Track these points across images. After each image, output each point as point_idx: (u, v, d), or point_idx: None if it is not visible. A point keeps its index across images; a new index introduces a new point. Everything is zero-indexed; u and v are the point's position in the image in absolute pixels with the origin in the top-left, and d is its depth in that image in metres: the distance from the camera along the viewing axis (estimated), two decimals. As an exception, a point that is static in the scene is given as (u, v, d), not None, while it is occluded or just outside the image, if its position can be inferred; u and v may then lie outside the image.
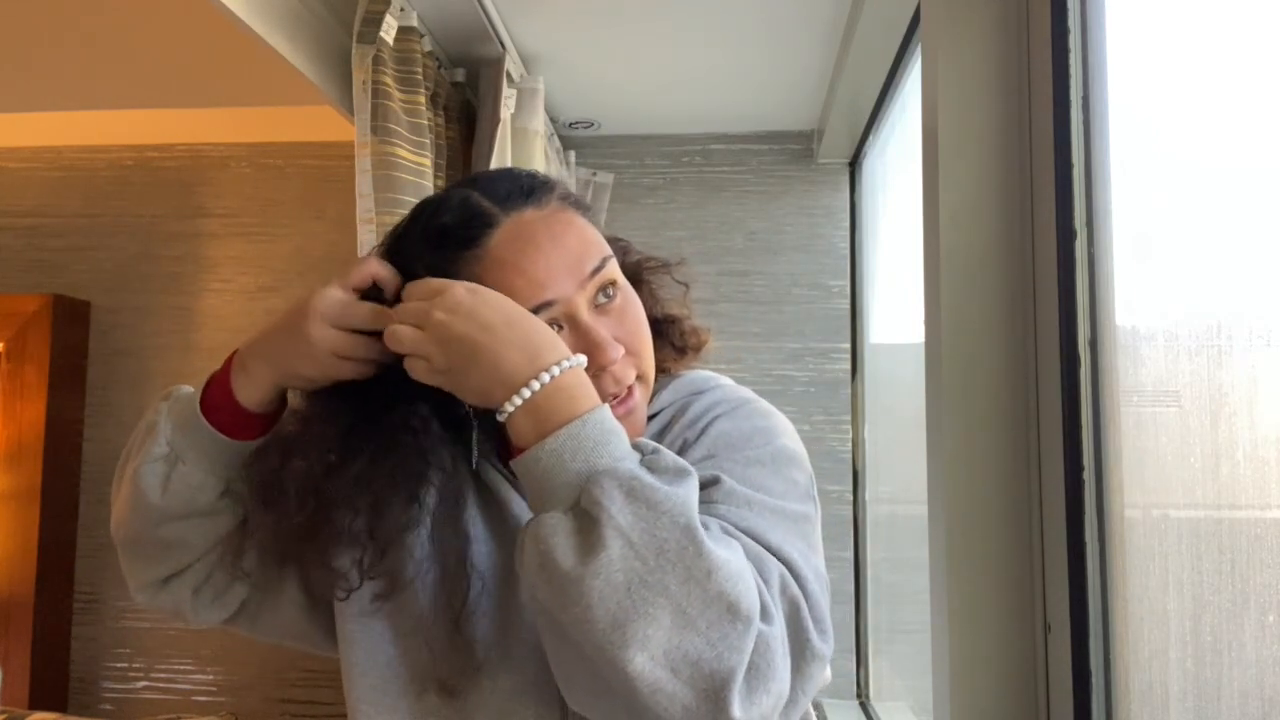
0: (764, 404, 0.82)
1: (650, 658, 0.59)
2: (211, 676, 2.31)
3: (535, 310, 0.71)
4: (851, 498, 2.37)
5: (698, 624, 0.59)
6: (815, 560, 0.71)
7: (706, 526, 0.65)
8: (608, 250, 0.78)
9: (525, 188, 0.76)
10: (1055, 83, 1.04)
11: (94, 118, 2.33)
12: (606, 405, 0.68)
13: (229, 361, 0.78)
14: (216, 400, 0.77)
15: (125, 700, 2.33)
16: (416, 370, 0.69)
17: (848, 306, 2.43)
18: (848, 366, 2.41)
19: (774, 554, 0.67)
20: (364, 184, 1.50)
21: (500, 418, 0.67)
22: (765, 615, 0.63)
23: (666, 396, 0.83)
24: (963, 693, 1.07)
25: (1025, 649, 1.07)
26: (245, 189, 2.44)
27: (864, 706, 2.29)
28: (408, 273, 0.74)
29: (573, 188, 2.47)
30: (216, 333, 2.39)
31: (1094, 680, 0.97)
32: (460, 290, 0.69)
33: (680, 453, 0.76)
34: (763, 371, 2.42)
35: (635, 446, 0.66)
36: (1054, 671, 1.03)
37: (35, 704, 2.19)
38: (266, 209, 2.43)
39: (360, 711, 0.78)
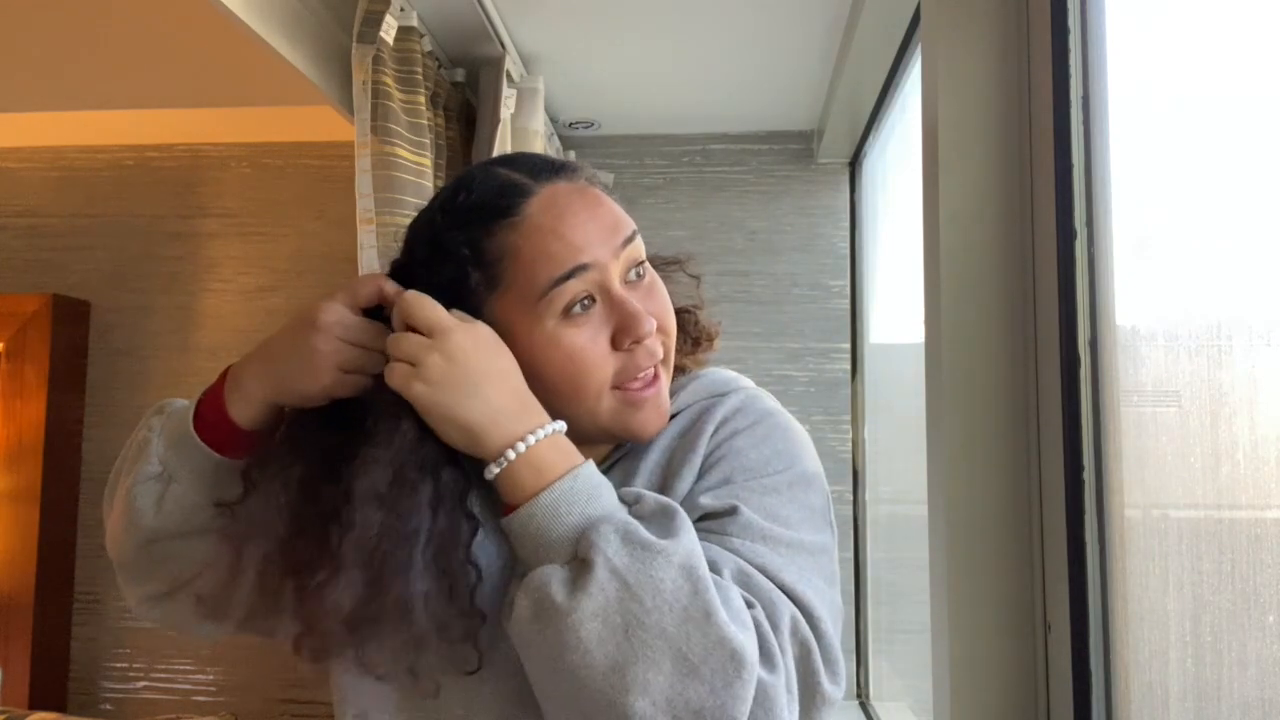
0: (784, 418, 0.80)
1: (652, 703, 0.59)
2: (211, 676, 2.31)
3: (570, 274, 0.71)
4: (851, 498, 2.37)
5: (700, 671, 0.59)
6: (831, 594, 0.70)
7: (718, 567, 0.66)
8: (636, 227, 0.78)
9: (554, 163, 0.77)
10: (1055, 83, 1.04)
11: (94, 118, 2.33)
12: (592, 463, 0.69)
13: (222, 377, 0.76)
14: (210, 417, 0.75)
15: (125, 700, 2.33)
16: (415, 399, 0.68)
17: (848, 306, 2.43)
18: (848, 366, 2.41)
19: (788, 593, 0.67)
20: (364, 184, 1.50)
21: (490, 473, 0.68)
22: (769, 663, 0.62)
23: (686, 397, 0.81)
24: (963, 693, 1.07)
25: (1025, 649, 1.07)
26: (245, 189, 2.44)
27: (864, 706, 2.29)
28: (436, 249, 0.74)
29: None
30: (216, 333, 2.39)
31: (1094, 680, 0.97)
32: (461, 337, 0.69)
33: (700, 475, 0.75)
34: (763, 371, 2.42)
35: (619, 498, 0.68)
36: (1054, 671, 1.03)
37: (35, 704, 2.19)
38: (266, 209, 2.43)
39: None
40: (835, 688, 0.66)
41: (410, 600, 0.65)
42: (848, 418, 2.39)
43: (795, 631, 0.65)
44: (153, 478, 0.75)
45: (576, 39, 1.91)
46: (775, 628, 0.64)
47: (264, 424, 0.76)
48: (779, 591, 0.67)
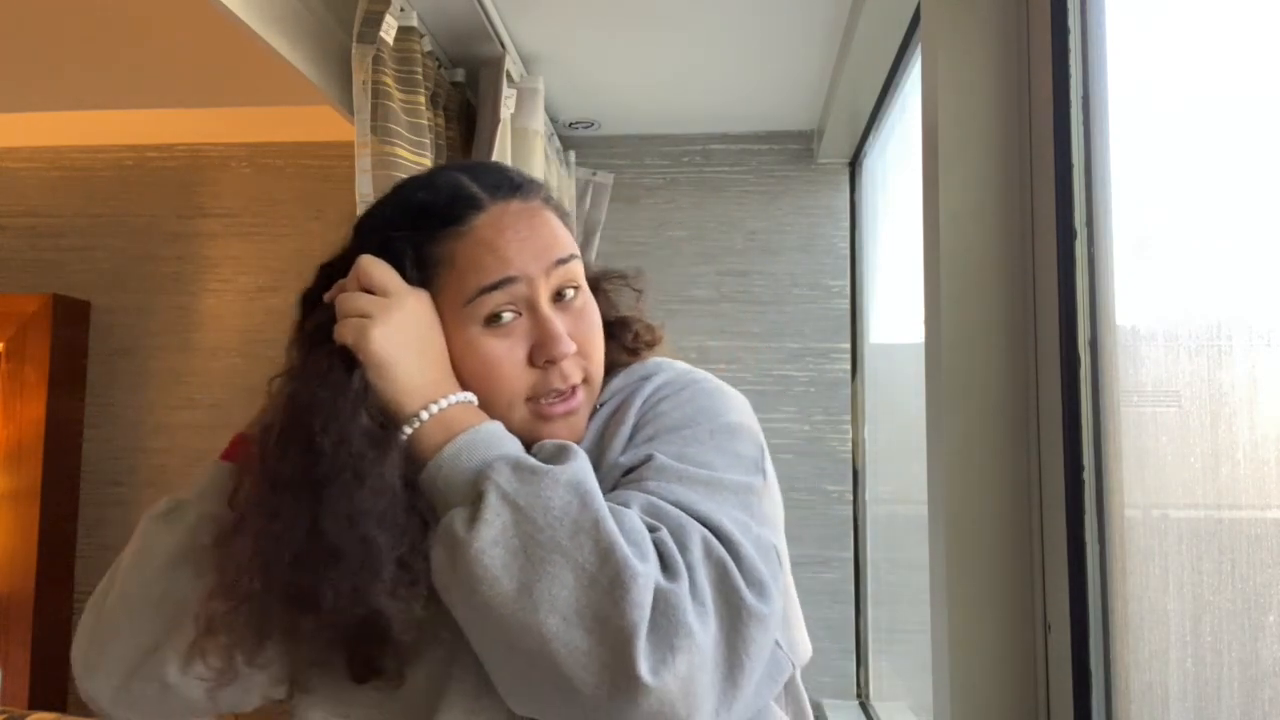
0: (713, 383, 0.82)
1: (563, 618, 0.61)
2: (211, 676, 2.31)
3: (497, 285, 0.74)
4: (851, 498, 2.37)
5: (599, 580, 0.61)
6: (757, 530, 0.70)
7: (626, 503, 0.67)
8: (577, 252, 0.80)
9: (514, 182, 0.80)
10: (1055, 83, 1.04)
11: (94, 118, 2.33)
12: (499, 423, 0.72)
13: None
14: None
15: (125, 700, 2.32)
16: (368, 348, 0.70)
17: (848, 306, 2.43)
18: (848, 366, 2.41)
19: (701, 520, 0.68)
20: (364, 184, 1.50)
21: (404, 433, 0.71)
22: (670, 572, 0.63)
23: (616, 383, 0.83)
24: (963, 693, 1.07)
25: (1025, 649, 1.07)
26: (245, 189, 2.44)
27: (864, 706, 2.29)
28: (383, 246, 0.77)
29: (573, 188, 2.47)
30: (216, 333, 2.39)
31: (1094, 680, 0.97)
32: (414, 302, 0.74)
33: (629, 440, 0.77)
34: (763, 371, 2.42)
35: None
36: (1054, 671, 1.03)
37: (35, 704, 2.19)
38: (266, 209, 2.43)
39: None
40: (762, 604, 0.65)
41: (353, 519, 0.66)
42: (848, 418, 2.39)
43: (708, 552, 0.66)
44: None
45: (576, 39, 1.91)
46: (682, 546, 0.65)
47: None
48: (688, 517, 0.67)
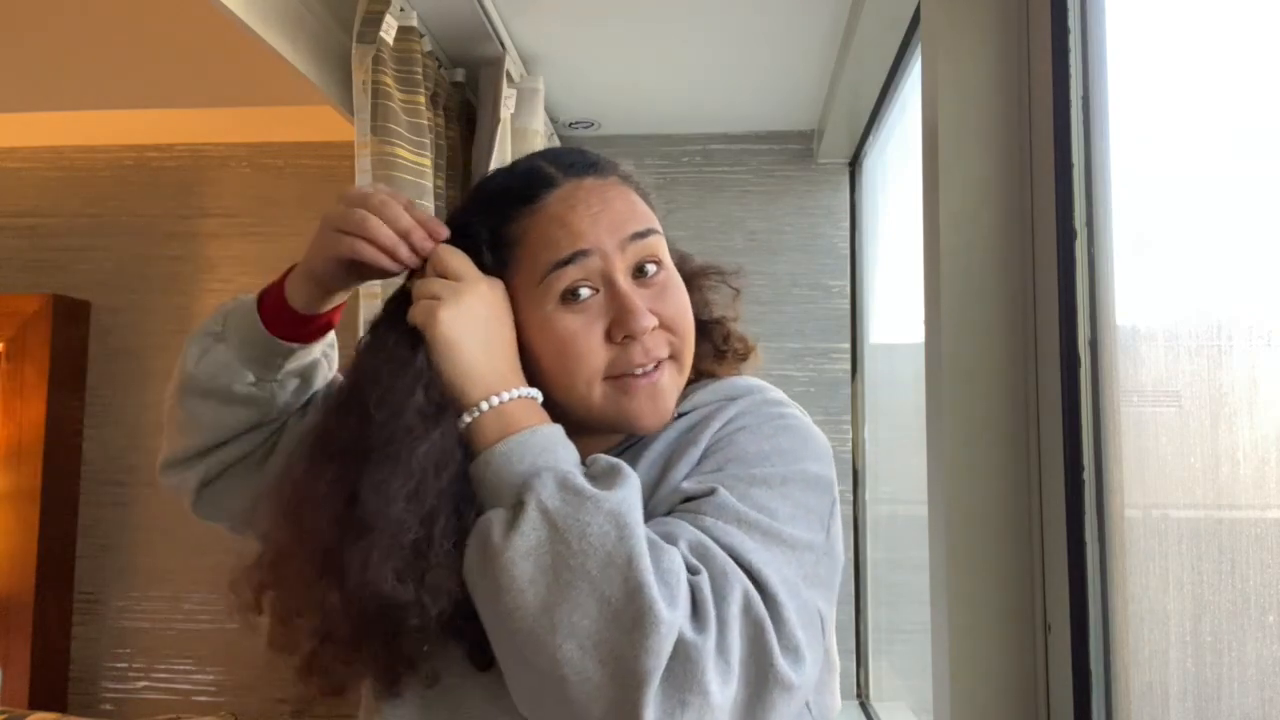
0: (800, 421, 0.78)
1: (579, 646, 0.60)
2: (211, 676, 2.31)
3: (569, 259, 0.73)
4: (851, 498, 2.37)
5: (621, 618, 0.59)
6: (807, 594, 0.67)
7: (674, 538, 0.65)
8: (657, 226, 0.79)
9: (591, 160, 0.80)
10: (1055, 83, 1.04)
11: (94, 118, 2.33)
12: (559, 427, 0.71)
13: (288, 271, 0.83)
14: (271, 295, 0.82)
15: (125, 700, 2.32)
16: (435, 328, 0.71)
17: (848, 306, 2.43)
18: (848, 366, 2.41)
19: (748, 572, 0.65)
20: (364, 184, 1.50)
21: (463, 422, 0.70)
22: (699, 623, 0.61)
23: (702, 397, 0.80)
24: (963, 693, 1.07)
25: (1025, 649, 1.07)
26: (245, 189, 2.44)
27: (864, 706, 2.30)
28: (462, 232, 0.78)
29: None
30: (216, 333, 2.39)
31: (1094, 680, 0.97)
32: (486, 288, 0.74)
33: (699, 461, 0.74)
34: (763, 372, 2.41)
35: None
36: (1054, 671, 1.04)
37: (35, 704, 2.19)
38: (266, 209, 2.43)
39: None
40: (794, 672, 0.63)
41: (390, 495, 0.67)
42: (848, 418, 2.39)
43: (747, 608, 0.63)
44: (208, 334, 0.83)
45: (576, 39, 1.91)
46: (719, 597, 0.62)
47: (313, 309, 0.81)
48: (735, 566, 0.65)
